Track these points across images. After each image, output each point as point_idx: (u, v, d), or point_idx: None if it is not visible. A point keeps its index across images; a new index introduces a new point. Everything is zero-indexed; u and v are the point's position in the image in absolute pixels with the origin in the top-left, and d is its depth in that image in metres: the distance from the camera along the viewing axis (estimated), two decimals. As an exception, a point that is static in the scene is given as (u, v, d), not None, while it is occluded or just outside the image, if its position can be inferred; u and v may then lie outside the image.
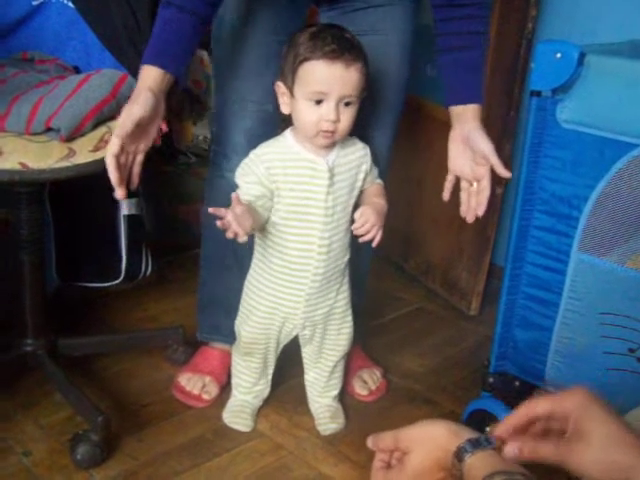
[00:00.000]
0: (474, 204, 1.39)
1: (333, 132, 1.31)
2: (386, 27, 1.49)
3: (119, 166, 1.21)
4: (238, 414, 1.55)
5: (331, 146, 1.37)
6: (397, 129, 1.62)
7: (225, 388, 1.63)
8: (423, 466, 0.84)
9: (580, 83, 1.29)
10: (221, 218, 1.21)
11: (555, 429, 0.84)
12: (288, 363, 1.64)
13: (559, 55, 1.28)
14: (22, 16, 1.57)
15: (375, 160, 1.48)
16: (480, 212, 1.39)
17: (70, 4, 1.56)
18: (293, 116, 1.34)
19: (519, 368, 1.50)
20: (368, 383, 1.70)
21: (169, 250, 2.22)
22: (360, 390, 1.69)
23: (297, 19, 1.51)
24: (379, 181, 1.49)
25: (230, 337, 1.56)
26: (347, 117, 1.31)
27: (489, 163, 1.34)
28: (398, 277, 2.26)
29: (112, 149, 1.20)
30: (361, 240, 1.35)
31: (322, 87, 1.28)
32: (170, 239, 2.26)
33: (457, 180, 1.42)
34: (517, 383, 1.50)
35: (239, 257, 1.54)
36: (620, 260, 1.32)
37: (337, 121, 1.30)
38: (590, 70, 1.28)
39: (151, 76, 1.26)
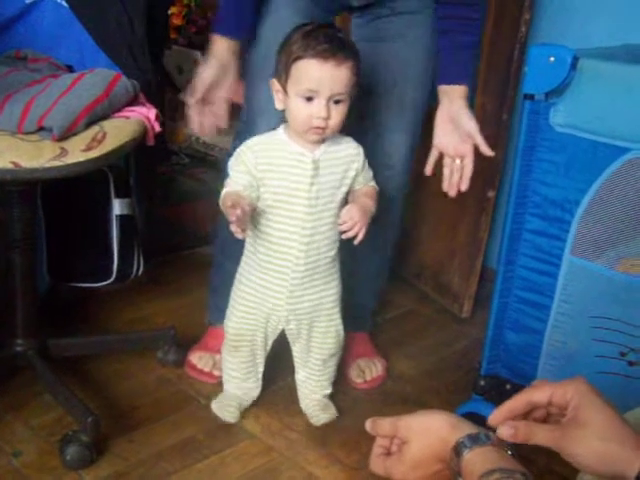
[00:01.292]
0: (456, 179, 1.47)
1: (324, 128, 1.36)
2: (410, 33, 1.54)
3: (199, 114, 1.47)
4: (227, 405, 1.56)
5: (321, 141, 1.41)
6: (419, 134, 1.65)
7: None
8: (421, 457, 0.84)
9: (573, 87, 1.29)
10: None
11: (553, 416, 0.84)
12: (278, 365, 1.64)
13: (552, 59, 1.29)
14: (15, 14, 1.56)
15: (394, 163, 1.58)
16: (463, 187, 1.48)
17: (64, 3, 1.56)
18: (286, 112, 1.39)
19: (510, 371, 1.50)
20: (365, 372, 1.73)
21: (161, 251, 2.21)
22: (355, 378, 1.72)
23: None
24: (373, 184, 1.51)
25: None
26: (337, 114, 1.35)
27: (473, 141, 1.43)
28: (390, 280, 2.26)
29: (191, 110, 1.45)
30: (344, 237, 1.40)
31: (313, 85, 1.32)
32: (162, 240, 2.25)
33: (440, 156, 1.50)
34: (508, 386, 1.50)
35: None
36: (611, 264, 1.32)
37: (328, 118, 1.34)
38: (583, 74, 1.28)
39: (217, 43, 1.46)
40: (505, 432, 0.79)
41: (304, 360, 1.57)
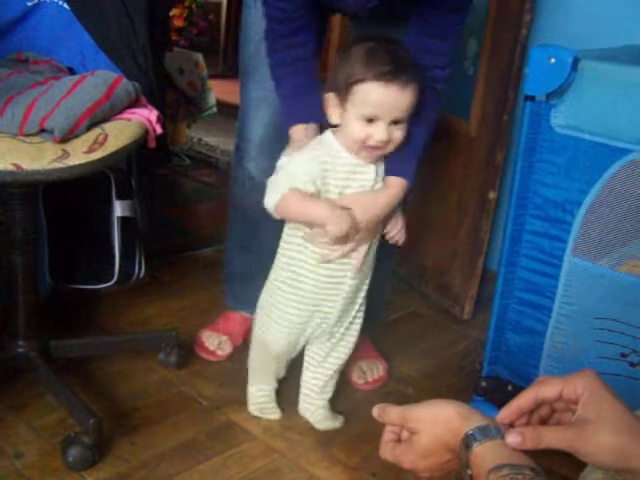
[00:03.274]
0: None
1: (381, 148, 1.32)
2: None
3: None
4: (266, 404, 1.58)
5: (375, 160, 1.37)
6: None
7: (238, 349, 1.78)
8: (431, 447, 0.83)
9: (574, 88, 1.29)
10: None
11: (558, 412, 0.83)
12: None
13: (553, 60, 1.29)
14: (17, 16, 1.56)
15: None
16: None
17: (65, 5, 1.56)
18: (342, 127, 1.34)
19: (512, 372, 1.51)
20: (366, 374, 1.75)
21: (163, 252, 2.22)
22: (357, 379, 1.74)
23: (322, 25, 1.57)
24: None
25: (249, 305, 1.66)
26: (398, 135, 1.32)
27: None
28: (392, 281, 2.26)
29: None
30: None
31: (376, 110, 1.28)
32: (164, 241, 2.26)
33: None
34: (510, 387, 1.50)
35: (258, 239, 1.58)
36: (613, 265, 1.32)
37: (388, 141, 1.31)
38: (584, 75, 1.28)
39: (296, 131, 1.44)
40: (512, 440, 0.77)
41: (318, 363, 1.55)
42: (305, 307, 1.44)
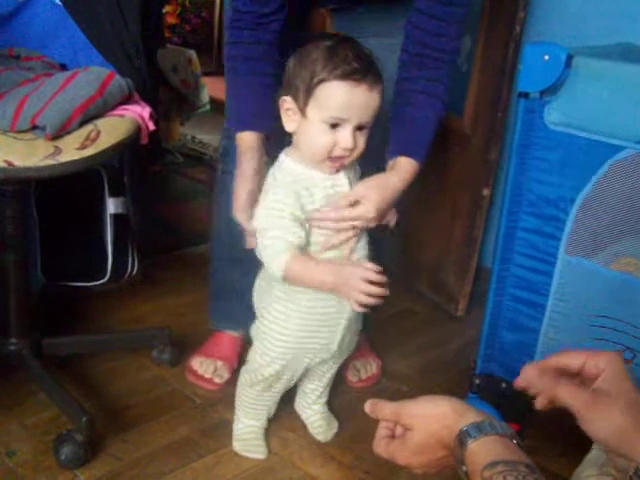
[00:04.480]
0: None
1: (345, 157, 1.22)
2: (392, 30, 1.44)
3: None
4: (253, 444, 1.48)
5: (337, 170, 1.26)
6: None
7: (236, 372, 1.58)
8: (425, 444, 0.83)
9: (568, 85, 1.29)
10: None
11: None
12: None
13: (547, 57, 1.28)
14: (8, 12, 1.56)
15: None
16: None
17: (57, 1, 1.56)
18: (299, 136, 1.23)
19: (505, 369, 1.50)
20: (360, 372, 1.75)
21: (156, 250, 2.21)
22: (351, 377, 1.75)
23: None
24: None
25: (240, 324, 1.55)
26: (362, 142, 1.21)
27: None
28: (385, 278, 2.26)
29: (240, 218, 1.30)
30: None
31: (342, 113, 1.17)
32: (157, 239, 2.25)
33: None
34: (503, 385, 1.49)
35: (247, 250, 1.54)
36: (606, 262, 1.32)
37: (354, 148, 1.20)
38: (578, 72, 1.28)
39: (245, 137, 1.34)
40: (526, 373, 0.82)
41: (322, 374, 1.50)
42: (293, 346, 1.34)
